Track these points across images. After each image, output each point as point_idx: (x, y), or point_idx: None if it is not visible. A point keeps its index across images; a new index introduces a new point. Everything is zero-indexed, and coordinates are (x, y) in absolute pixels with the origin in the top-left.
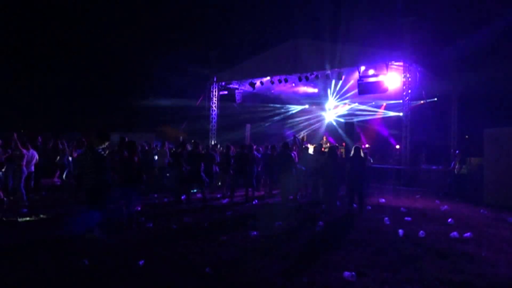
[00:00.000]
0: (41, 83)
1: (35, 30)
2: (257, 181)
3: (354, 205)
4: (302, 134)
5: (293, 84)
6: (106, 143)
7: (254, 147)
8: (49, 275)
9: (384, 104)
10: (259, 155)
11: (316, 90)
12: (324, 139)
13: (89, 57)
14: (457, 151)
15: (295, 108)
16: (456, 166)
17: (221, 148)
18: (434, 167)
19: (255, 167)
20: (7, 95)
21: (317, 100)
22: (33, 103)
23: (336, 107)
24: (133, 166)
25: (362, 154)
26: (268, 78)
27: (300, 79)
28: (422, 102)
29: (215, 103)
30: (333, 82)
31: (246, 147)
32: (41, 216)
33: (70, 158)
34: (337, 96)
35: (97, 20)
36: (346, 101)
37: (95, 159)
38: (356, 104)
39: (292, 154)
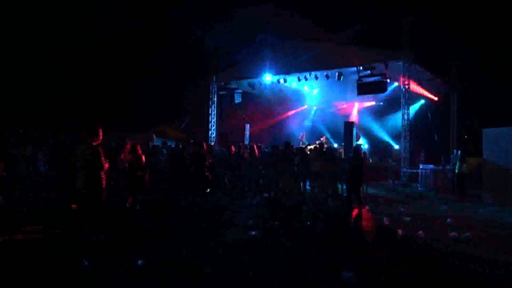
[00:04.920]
0: (39, 82)
1: (35, 28)
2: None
3: (353, 205)
4: (301, 133)
5: (293, 84)
6: (97, 141)
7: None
8: (49, 275)
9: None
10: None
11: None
12: (324, 139)
13: (88, 56)
14: (459, 151)
15: (294, 108)
16: (457, 165)
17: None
18: (433, 167)
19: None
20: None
21: (316, 100)
22: (32, 102)
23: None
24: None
25: (361, 154)
26: (268, 78)
27: (299, 79)
28: (422, 101)
29: (214, 103)
30: None
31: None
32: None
33: None
34: None
35: (95, 18)
36: None
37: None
38: (356, 103)
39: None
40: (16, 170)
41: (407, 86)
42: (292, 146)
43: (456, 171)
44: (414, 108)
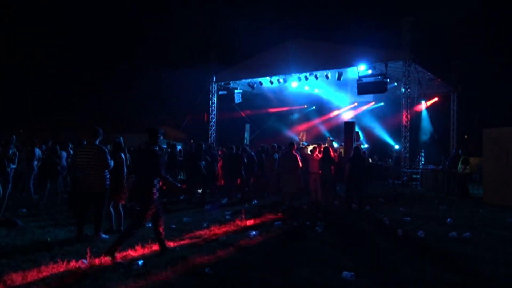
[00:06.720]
0: (39, 82)
1: (34, 30)
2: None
3: (353, 205)
4: (301, 133)
5: (293, 84)
6: (98, 140)
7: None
8: (48, 275)
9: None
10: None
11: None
12: (328, 140)
13: (88, 56)
14: (460, 151)
15: (294, 108)
16: (460, 166)
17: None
18: (433, 167)
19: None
20: (6, 95)
21: (316, 100)
22: (31, 102)
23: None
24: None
25: (361, 154)
26: (267, 78)
27: (299, 79)
28: (422, 102)
29: (214, 103)
30: None
31: (239, 148)
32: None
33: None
34: None
35: (96, 18)
36: None
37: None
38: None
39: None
40: (17, 169)
41: (407, 86)
42: (298, 145)
43: (459, 171)
44: (413, 107)
